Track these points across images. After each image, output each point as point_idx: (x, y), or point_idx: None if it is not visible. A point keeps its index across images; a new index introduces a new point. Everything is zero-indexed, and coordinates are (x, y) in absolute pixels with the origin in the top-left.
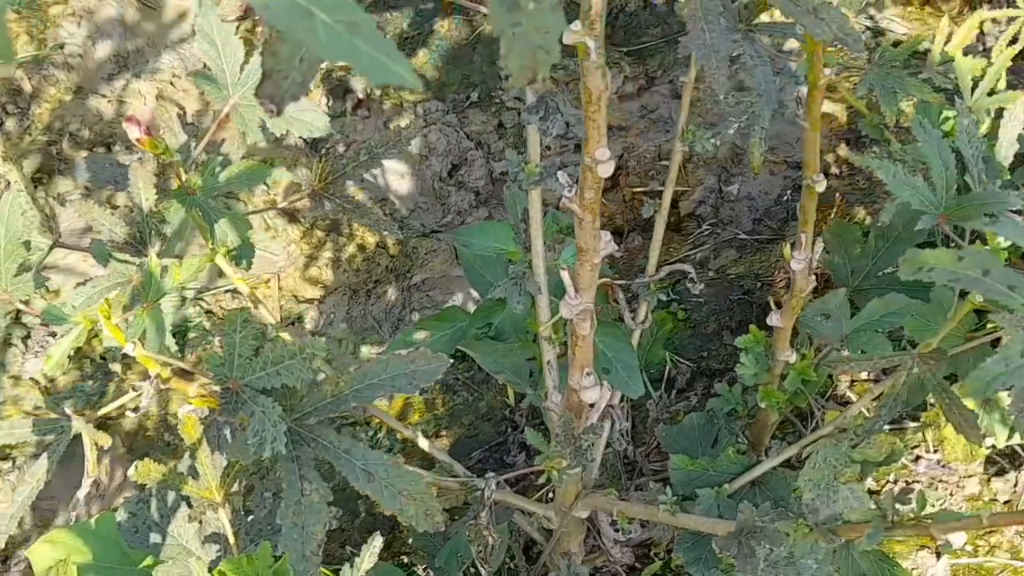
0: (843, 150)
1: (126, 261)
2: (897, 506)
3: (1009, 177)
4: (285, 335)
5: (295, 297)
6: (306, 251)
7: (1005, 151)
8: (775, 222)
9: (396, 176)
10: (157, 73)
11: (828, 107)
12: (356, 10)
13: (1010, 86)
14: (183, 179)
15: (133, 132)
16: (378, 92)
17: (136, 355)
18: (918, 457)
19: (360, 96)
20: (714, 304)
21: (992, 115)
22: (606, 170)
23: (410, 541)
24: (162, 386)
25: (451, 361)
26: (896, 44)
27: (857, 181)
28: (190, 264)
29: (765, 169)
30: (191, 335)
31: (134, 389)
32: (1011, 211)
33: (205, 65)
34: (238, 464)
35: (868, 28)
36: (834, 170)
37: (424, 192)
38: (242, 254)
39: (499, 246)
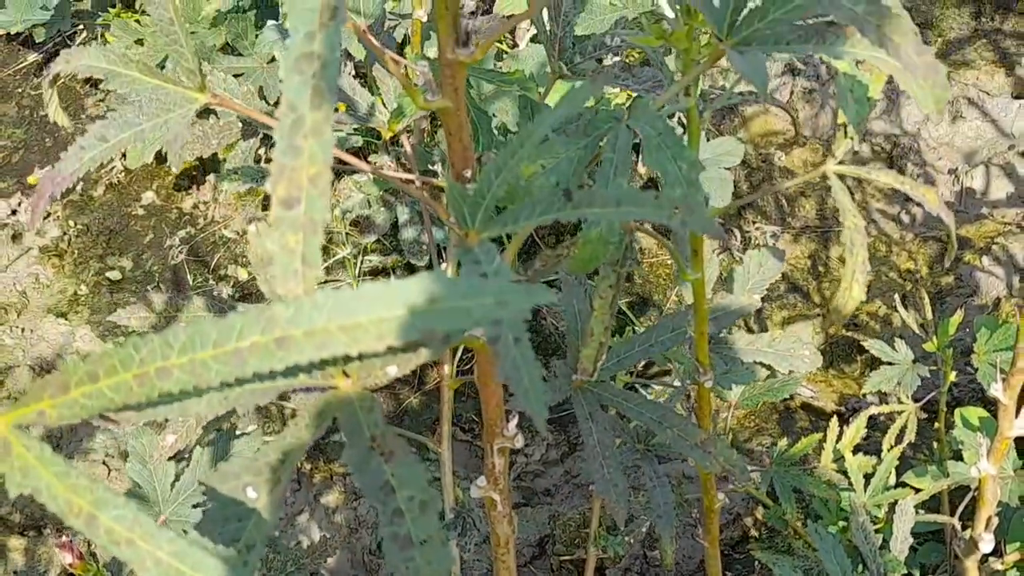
0: (760, 513)
1: None
2: None
3: (906, 570)
4: None
5: None
6: None
7: (900, 545)
8: None
9: (326, 551)
10: (90, 453)
11: None
12: None
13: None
14: None
15: (66, 558)
16: (308, 466)
17: None
18: None
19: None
20: None
21: (887, 508)
22: None
23: None
24: None
25: None
26: (803, 406)
27: (776, 544)
28: None
29: (687, 535)
30: None
31: None
32: None
33: (136, 483)
34: None
35: None
36: (753, 532)
37: (355, 564)
38: None
39: None
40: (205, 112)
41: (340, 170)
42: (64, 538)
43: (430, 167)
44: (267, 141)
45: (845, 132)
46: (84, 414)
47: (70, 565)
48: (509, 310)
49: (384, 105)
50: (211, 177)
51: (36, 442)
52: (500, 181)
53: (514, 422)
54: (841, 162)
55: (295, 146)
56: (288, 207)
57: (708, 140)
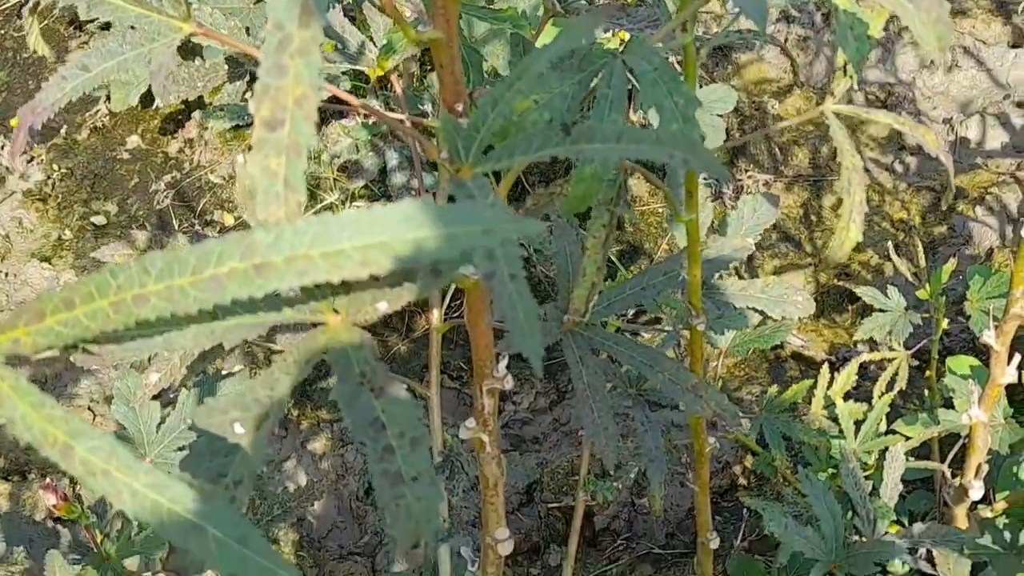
0: (749, 460)
1: None
2: None
3: (895, 516)
4: None
5: None
6: None
7: (890, 492)
8: (687, 535)
9: (313, 495)
10: (75, 399)
11: None
12: (246, 525)
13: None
14: (98, 545)
15: (49, 499)
16: (295, 412)
17: None
18: None
19: None
20: None
21: (877, 455)
22: (506, 548)
23: None
24: None
25: None
26: (793, 356)
27: (765, 492)
28: None
29: (675, 482)
30: None
31: None
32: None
33: (121, 425)
34: None
35: None
36: (742, 481)
37: (341, 511)
38: None
39: None
40: (191, 54)
41: (329, 110)
42: (48, 480)
43: (419, 108)
44: (254, 83)
45: (845, 71)
46: (60, 342)
47: (54, 506)
48: (496, 239)
49: (374, 43)
50: (196, 114)
51: (12, 371)
52: (496, 115)
53: (504, 363)
54: (839, 102)
55: (281, 65)
56: (271, 128)
57: (700, 87)
